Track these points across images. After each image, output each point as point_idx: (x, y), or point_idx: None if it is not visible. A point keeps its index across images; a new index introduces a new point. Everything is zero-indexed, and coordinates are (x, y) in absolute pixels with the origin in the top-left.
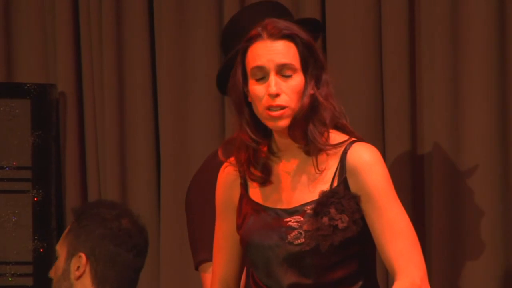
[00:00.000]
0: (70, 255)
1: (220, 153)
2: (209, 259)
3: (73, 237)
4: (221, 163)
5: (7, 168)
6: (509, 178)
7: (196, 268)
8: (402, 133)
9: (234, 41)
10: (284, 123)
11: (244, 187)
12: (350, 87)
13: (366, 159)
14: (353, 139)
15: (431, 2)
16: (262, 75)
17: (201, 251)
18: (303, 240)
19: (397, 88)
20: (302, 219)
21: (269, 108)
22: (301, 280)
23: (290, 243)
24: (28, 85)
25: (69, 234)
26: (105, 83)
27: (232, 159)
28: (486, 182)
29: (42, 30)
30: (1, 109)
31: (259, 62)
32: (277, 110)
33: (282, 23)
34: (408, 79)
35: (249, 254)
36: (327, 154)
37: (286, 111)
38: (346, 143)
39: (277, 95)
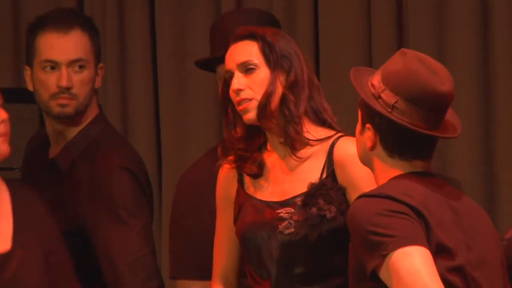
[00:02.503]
0: None
1: (219, 152)
2: (177, 276)
3: None
4: (212, 164)
5: (17, 170)
6: (493, 175)
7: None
8: None
9: (214, 43)
10: (251, 115)
11: (240, 182)
12: (341, 89)
13: (352, 153)
14: (340, 134)
15: (417, 13)
16: (231, 76)
17: (172, 266)
18: (293, 229)
19: None
20: (292, 210)
21: (237, 104)
22: (291, 269)
23: (281, 232)
24: None
25: None
26: (109, 89)
27: (230, 157)
28: (471, 178)
29: None
30: (10, 114)
31: (227, 66)
32: (243, 103)
33: (247, 27)
34: None
35: (243, 245)
36: (312, 147)
37: (251, 103)
38: (333, 137)
39: (239, 89)
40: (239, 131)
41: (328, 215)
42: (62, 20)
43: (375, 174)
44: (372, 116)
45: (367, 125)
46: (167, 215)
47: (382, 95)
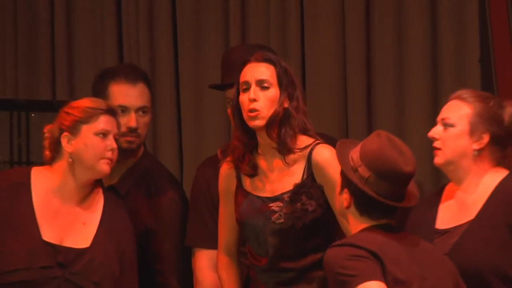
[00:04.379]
0: None
1: (219, 154)
2: (193, 245)
3: None
4: (205, 171)
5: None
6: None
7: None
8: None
9: (224, 72)
10: (259, 123)
11: (239, 180)
12: (323, 96)
13: (326, 157)
14: (317, 141)
15: (382, 46)
16: (247, 87)
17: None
18: (283, 220)
19: (357, 104)
20: (281, 204)
21: (249, 110)
22: (283, 249)
23: (273, 222)
24: (54, 101)
25: None
26: None
27: (229, 158)
28: (427, 175)
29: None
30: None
31: (245, 78)
32: (255, 111)
33: (266, 53)
34: (365, 100)
35: (243, 230)
36: (295, 154)
37: (260, 113)
38: (312, 145)
39: (254, 100)
40: (240, 133)
41: (310, 208)
42: (131, 73)
43: (349, 224)
44: (350, 184)
45: (345, 189)
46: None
47: (359, 169)
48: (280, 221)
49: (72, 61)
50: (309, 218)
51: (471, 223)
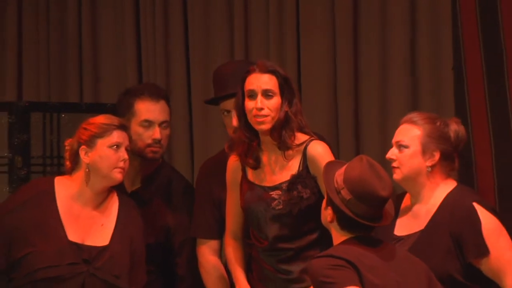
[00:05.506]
0: None
1: (226, 148)
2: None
3: None
4: (206, 170)
5: None
6: None
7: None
8: (349, 136)
9: (216, 86)
10: (266, 127)
11: (244, 172)
12: (315, 104)
13: (319, 151)
14: (312, 138)
15: (367, 57)
16: (253, 95)
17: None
18: (282, 206)
19: (346, 103)
20: (280, 193)
21: (256, 116)
22: (282, 232)
23: (273, 208)
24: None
25: None
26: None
27: (235, 153)
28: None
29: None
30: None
31: (251, 87)
32: (261, 117)
33: (269, 63)
34: (354, 104)
35: (247, 216)
36: (293, 149)
37: (267, 119)
38: (307, 141)
39: (262, 108)
40: (245, 133)
41: (305, 196)
42: (154, 92)
43: (332, 235)
44: (333, 203)
45: (329, 207)
46: None
47: (341, 191)
48: (279, 207)
49: (96, 69)
50: (304, 204)
51: (422, 232)
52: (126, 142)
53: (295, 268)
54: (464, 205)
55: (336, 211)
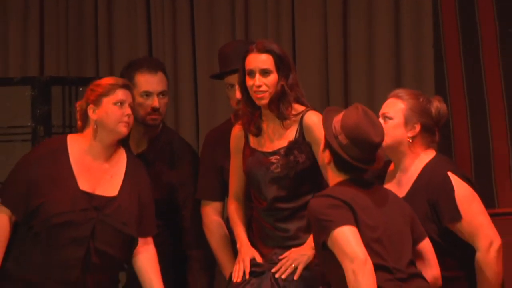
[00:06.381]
0: None
1: (232, 118)
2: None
3: None
4: (210, 138)
5: None
6: None
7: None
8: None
9: (221, 63)
10: (264, 101)
11: (246, 139)
12: (309, 79)
13: (314, 121)
14: (308, 108)
15: (355, 52)
16: (252, 73)
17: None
18: (280, 169)
19: (336, 81)
20: (278, 157)
21: (255, 92)
22: (279, 193)
23: (272, 171)
24: (98, 77)
25: None
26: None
27: (240, 121)
28: None
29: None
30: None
31: (250, 66)
32: (260, 93)
33: (266, 43)
34: (342, 85)
35: (248, 179)
36: (291, 119)
37: (265, 94)
38: (303, 111)
39: (260, 85)
40: (248, 106)
41: (301, 160)
42: (152, 64)
43: (328, 176)
44: (331, 147)
45: (327, 150)
46: None
47: (339, 136)
48: (277, 170)
49: (111, 46)
50: (300, 168)
51: (404, 199)
52: (130, 100)
53: (292, 226)
54: (439, 174)
55: (334, 154)
